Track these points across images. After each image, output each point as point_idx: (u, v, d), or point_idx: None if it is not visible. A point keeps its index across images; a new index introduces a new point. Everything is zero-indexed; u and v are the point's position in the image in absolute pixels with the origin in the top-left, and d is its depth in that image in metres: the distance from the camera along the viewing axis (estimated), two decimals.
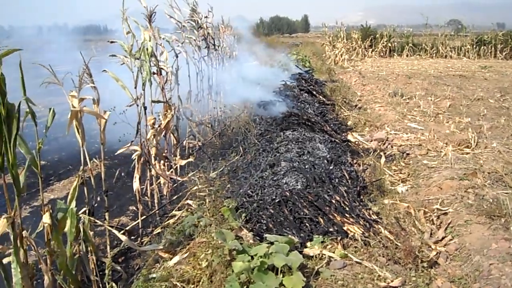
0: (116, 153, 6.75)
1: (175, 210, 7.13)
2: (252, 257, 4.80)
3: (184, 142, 10.00)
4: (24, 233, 4.31)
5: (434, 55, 41.81)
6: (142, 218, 6.96)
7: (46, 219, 4.64)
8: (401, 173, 9.21)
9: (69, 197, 5.21)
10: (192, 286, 4.99)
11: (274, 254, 4.82)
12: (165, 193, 8.08)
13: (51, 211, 4.70)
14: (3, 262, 3.99)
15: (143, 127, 7.04)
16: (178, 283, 4.98)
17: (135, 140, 6.89)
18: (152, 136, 7.44)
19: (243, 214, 6.08)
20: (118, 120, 6.47)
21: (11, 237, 4.09)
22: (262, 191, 7.14)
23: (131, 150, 7.09)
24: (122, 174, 8.66)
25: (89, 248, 5.31)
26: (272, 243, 5.08)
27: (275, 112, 12.67)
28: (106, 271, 4.50)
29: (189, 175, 8.37)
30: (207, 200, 6.80)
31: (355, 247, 5.73)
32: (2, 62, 3.77)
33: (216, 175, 8.06)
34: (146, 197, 7.62)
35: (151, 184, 7.73)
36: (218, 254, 4.90)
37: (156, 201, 7.81)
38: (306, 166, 8.18)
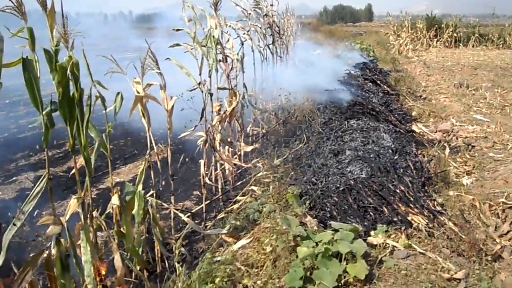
0: (180, 137, 6.84)
1: (239, 196, 7.18)
2: (317, 244, 4.80)
3: (248, 129, 10.05)
4: (94, 213, 4.43)
5: (501, 46, 40.45)
6: (206, 202, 7.05)
7: (115, 200, 4.75)
8: (466, 165, 9.03)
9: (137, 179, 5.33)
10: (256, 270, 5.03)
11: (338, 241, 4.81)
12: (229, 179, 8.16)
13: (119, 193, 4.82)
14: (74, 242, 4.09)
15: (208, 113, 7.13)
16: (242, 267, 5.03)
17: (200, 126, 6.97)
18: (218, 122, 7.52)
19: (307, 201, 6.09)
20: (183, 107, 6.57)
21: (81, 217, 4.20)
22: (326, 179, 7.12)
23: (197, 135, 7.18)
24: (187, 159, 8.77)
25: (155, 230, 5.41)
26: (336, 230, 5.07)
27: (340, 101, 12.57)
28: (176, 252, 4.57)
29: (253, 161, 8.43)
30: (271, 187, 6.83)
31: (419, 237, 5.66)
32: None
33: (279, 162, 8.08)
34: (210, 182, 7.70)
35: (216, 170, 7.83)
36: (283, 240, 4.92)
37: (220, 186, 7.90)
38: (371, 155, 8.10)
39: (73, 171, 4.52)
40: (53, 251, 3.77)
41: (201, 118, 6.84)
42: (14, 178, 10.20)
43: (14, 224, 3.38)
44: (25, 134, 14.31)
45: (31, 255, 3.53)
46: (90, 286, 4.06)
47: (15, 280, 3.09)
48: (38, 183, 3.74)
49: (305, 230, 5.10)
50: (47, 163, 3.74)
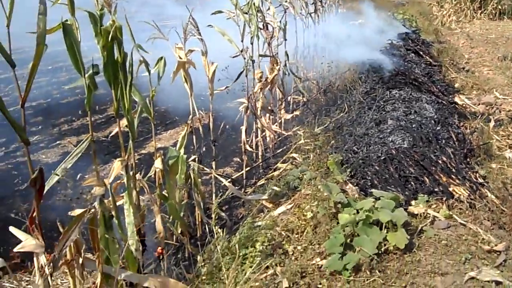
0: (216, 91, 6.84)
1: (279, 163, 7.19)
2: (358, 211, 4.79)
3: (289, 98, 10.02)
4: (137, 176, 4.48)
5: None
6: (247, 169, 7.09)
7: (158, 164, 4.80)
8: (509, 138, 8.85)
9: (178, 144, 5.37)
10: (296, 236, 5.06)
11: (379, 209, 4.80)
12: (269, 146, 8.17)
13: (162, 157, 4.86)
14: (117, 204, 4.14)
15: (250, 80, 7.12)
16: (283, 232, 5.06)
17: (241, 92, 6.98)
18: (259, 90, 7.51)
19: (348, 169, 6.07)
20: (223, 76, 6.59)
21: (125, 180, 4.25)
22: (367, 148, 7.09)
23: (238, 101, 7.19)
24: (227, 126, 8.80)
25: (196, 195, 5.46)
26: (378, 199, 5.05)
27: (382, 71, 12.43)
28: (213, 215, 4.61)
29: (294, 129, 8.42)
30: (311, 154, 6.82)
31: (460, 208, 5.60)
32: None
33: (320, 131, 8.05)
34: (251, 149, 7.72)
35: (256, 137, 7.84)
36: (324, 206, 4.93)
37: (260, 153, 7.92)
38: (413, 125, 8.02)
39: (113, 132, 4.59)
40: (97, 212, 3.83)
41: (235, 80, 6.86)
42: (57, 142, 10.38)
43: (57, 174, 3.43)
44: (67, 100, 14.50)
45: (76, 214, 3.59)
46: (132, 247, 4.12)
47: (61, 239, 3.15)
48: (80, 143, 3.78)
49: (346, 197, 5.10)
50: (90, 125, 3.78)
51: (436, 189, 6.02)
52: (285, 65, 8.99)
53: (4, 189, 8.04)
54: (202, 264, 4.52)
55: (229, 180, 6.35)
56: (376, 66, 13.05)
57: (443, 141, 7.61)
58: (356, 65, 13.42)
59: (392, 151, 6.79)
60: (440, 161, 6.64)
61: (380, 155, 6.71)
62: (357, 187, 5.70)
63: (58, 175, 3.39)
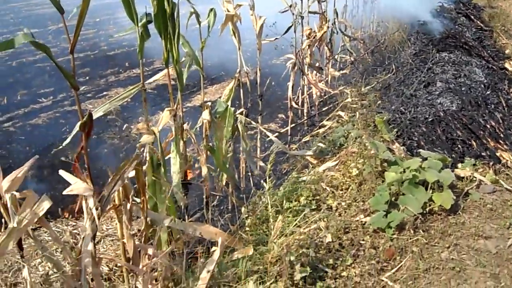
0: (264, 42, 6.82)
1: (325, 121, 7.17)
2: (404, 170, 4.76)
3: (336, 56, 9.93)
4: (185, 126, 4.50)
5: None
6: (292, 125, 7.08)
7: (205, 115, 4.82)
8: None
9: (226, 97, 5.37)
10: (341, 192, 5.06)
11: (426, 169, 4.75)
12: (315, 103, 8.14)
13: (210, 108, 4.88)
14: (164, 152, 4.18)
15: (298, 37, 7.08)
16: (327, 188, 5.07)
17: (289, 48, 6.94)
18: (307, 46, 7.45)
19: (395, 129, 6.02)
20: (271, 32, 6.56)
21: (173, 129, 4.28)
22: (415, 109, 7.02)
23: (286, 57, 7.16)
24: (273, 83, 8.78)
25: (242, 148, 5.48)
26: (425, 159, 5.00)
27: (431, 33, 12.21)
28: (269, 166, 4.62)
29: (340, 88, 8.36)
30: (357, 113, 6.77)
31: (507, 174, 5.52)
32: None
33: (367, 91, 7.98)
34: (296, 106, 7.71)
35: (302, 94, 7.81)
36: (370, 164, 4.90)
37: (305, 110, 7.90)
38: (462, 89, 7.89)
39: (157, 76, 4.62)
40: (145, 160, 3.88)
41: (285, 33, 6.83)
42: (104, 93, 10.52)
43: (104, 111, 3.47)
44: (114, 52, 14.60)
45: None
46: (177, 196, 4.18)
47: (109, 182, 3.20)
48: (130, 89, 3.81)
49: (393, 156, 5.06)
50: (141, 73, 3.80)
51: (483, 153, 5.95)
52: (334, 23, 8.89)
53: (52, 136, 8.20)
54: (246, 216, 4.55)
55: (276, 134, 6.35)
56: (426, 28, 12.82)
57: (492, 106, 7.48)
58: (405, 26, 13.20)
59: (440, 113, 6.70)
60: (488, 126, 6.54)
61: (427, 116, 6.64)
62: (403, 147, 5.66)
63: (105, 105, 3.42)
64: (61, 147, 3.30)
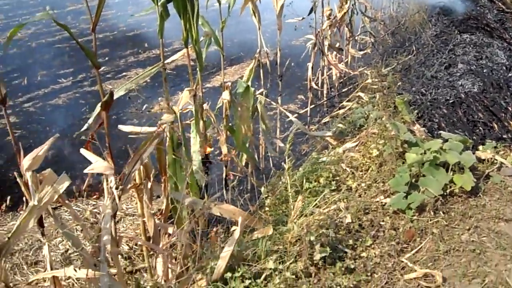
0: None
1: (345, 102, 7.14)
2: (425, 152, 4.73)
3: (356, 37, 9.86)
4: (205, 106, 4.50)
5: None
6: (311, 106, 7.06)
7: (225, 95, 4.81)
8: None
9: (245, 77, 5.36)
10: (361, 173, 5.04)
11: (447, 150, 4.71)
12: (335, 84, 8.11)
13: (230, 88, 4.87)
14: (185, 134, 4.18)
15: (318, 18, 7.04)
16: (347, 169, 5.05)
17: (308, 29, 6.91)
18: (327, 27, 7.41)
19: (415, 111, 5.98)
20: (288, 12, 6.53)
21: (192, 109, 4.27)
22: (436, 90, 6.97)
23: (306, 37, 7.14)
24: (292, 64, 8.76)
25: (262, 128, 5.48)
26: (446, 140, 4.96)
27: (452, 14, 12.09)
28: (287, 146, 4.61)
29: (360, 69, 8.31)
30: (377, 94, 6.73)
31: None
32: None
33: (387, 72, 7.93)
34: (316, 87, 7.68)
35: (322, 75, 7.78)
36: (391, 145, 4.87)
37: (325, 91, 7.87)
38: (484, 71, 7.82)
39: (176, 56, 4.61)
40: (166, 138, 3.88)
41: (309, 13, 6.80)
42: (123, 74, 10.55)
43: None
44: (133, 33, 14.62)
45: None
46: (197, 176, 4.18)
47: (130, 161, 3.20)
48: (150, 68, 3.81)
49: (414, 137, 5.03)
50: (161, 52, 3.79)
51: (504, 136, 5.92)
52: (354, 3, 8.81)
53: (72, 117, 8.25)
54: (266, 196, 4.55)
55: (295, 115, 6.33)
56: (447, 9, 12.69)
57: None
58: (426, 7, 13.07)
59: (461, 95, 6.65)
60: (510, 108, 6.50)
61: (448, 98, 6.59)
62: (424, 129, 5.62)
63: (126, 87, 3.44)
64: (86, 126, 3.33)
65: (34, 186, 2.73)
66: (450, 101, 6.50)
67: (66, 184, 2.74)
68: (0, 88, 2.58)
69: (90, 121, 3.38)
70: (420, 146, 4.81)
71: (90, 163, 3.10)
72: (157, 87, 8.45)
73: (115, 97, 3.12)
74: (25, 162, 2.71)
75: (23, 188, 2.76)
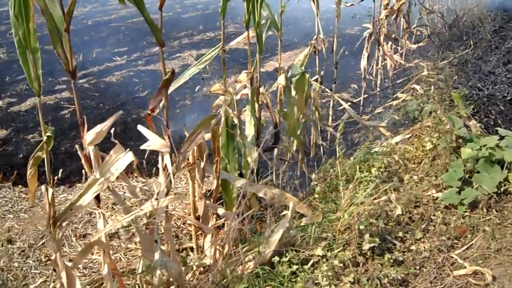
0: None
1: (399, 93, 7.06)
2: (480, 148, 4.64)
3: (412, 29, 9.73)
4: (261, 89, 4.50)
5: None
6: (365, 96, 7.01)
7: (281, 80, 4.81)
8: None
9: (300, 63, 5.34)
10: (413, 165, 4.98)
11: (504, 148, 4.61)
12: (389, 75, 8.03)
13: (286, 73, 4.86)
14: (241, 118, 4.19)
15: (376, 7, 6.98)
16: (399, 160, 5.00)
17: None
18: (385, 17, 7.33)
19: (471, 106, 5.87)
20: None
21: (249, 92, 4.28)
22: (493, 86, 6.81)
23: (359, 29, 7.09)
24: (346, 53, 8.70)
25: (314, 115, 5.46)
26: (502, 138, 4.85)
27: None
28: (338, 134, 4.59)
29: (415, 61, 8.21)
30: (433, 87, 6.63)
31: None
32: None
33: (443, 65, 7.80)
34: (370, 77, 7.62)
35: (377, 65, 7.71)
36: (445, 139, 4.80)
37: (378, 82, 7.80)
38: None
39: (236, 41, 4.61)
40: (221, 119, 3.89)
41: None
42: (177, 55, 10.63)
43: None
44: (188, 15, 14.72)
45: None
46: (249, 159, 4.17)
47: (185, 141, 3.22)
48: (211, 51, 3.83)
49: (469, 132, 4.94)
50: (222, 34, 3.80)
51: None
52: None
53: (125, 94, 8.36)
54: (316, 183, 4.55)
55: (349, 104, 6.29)
56: (507, 4, 12.41)
57: None
58: (485, 1, 12.81)
59: None
60: None
61: (506, 95, 6.45)
62: (480, 124, 5.51)
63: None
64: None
65: (96, 160, 2.77)
66: (508, 98, 6.35)
67: (129, 160, 2.78)
68: (72, 61, 2.62)
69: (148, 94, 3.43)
70: (476, 141, 4.72)
71: (141, 143, 3.14)
72: (211, 69, 8.51)
73: (181, 83, 3.17)
74: (88, 136, 2.75)
75: (83, 161, 2.81)
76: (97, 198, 2.89)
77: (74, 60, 2.61)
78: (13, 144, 6.69)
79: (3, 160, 6.22)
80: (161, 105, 3.09)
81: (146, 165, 5.47)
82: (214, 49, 3.78)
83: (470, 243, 3.95)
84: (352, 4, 6.89)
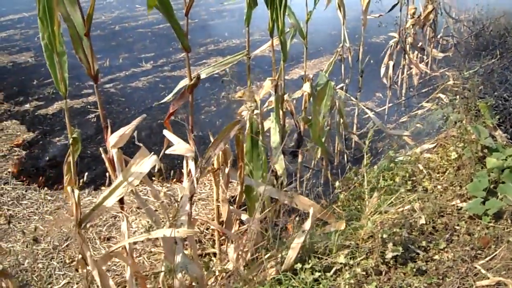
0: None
1: (424, 102, 7.04)
2: (506, 158, 4.61)
3: (439, 38, 9.69)
4: (286, 96, 4.52)
5: None
6: (390, 105, 6.99)
7: (306, 87, 4.82)
8: None
9: (325, 71, 5.36)
10: (438, 175, 4.96)
11: None
12: (414, 84, 8.00)
13: (312, 81, 4.88)
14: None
15: (402, 16, 6.98)
16: (424, 169, 4.98)
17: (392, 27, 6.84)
18: (411, 25, 7.33)
19: (497, 116, 5.83)
20: (375, 8, 6.53)
21: (273, 99, 4.30)
22: None
23: (384, 37, 7.09)
24: (371, 61, 8.68)
25: (339, 123, 5.47)
26: None
27: None
28: (367, 142, 4.58)
29: (441, 70, 8.17)
30: (458, 97, 6.60)
31: None
32: None
33: (469, 75, 7.75)
34: (395, 86, 7.61)
35: (402, 74, 7.69)
36: (470, 149, 4.78)
37: (404, 91, 7.78)
38: None
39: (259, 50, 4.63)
40: (245, 125, 3.91)
41: (390, 10, 6.76)
42: (203, 61, 10.71)
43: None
44: (214, 22, 14.79)
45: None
46: (277, 166, 4.17)
47: (210, 146, 3.25)
48: (234, 55, 3.86)
49: (495, 142, 4.91)
50: (247, 41, 3.83)
51: None
52: (439, 3, 8.67)
53: (151, 99, 8.43)
54: (340, 191, 4.55)
55: (374, 112, 6.29)
56: None
57: None
58: None
59: None
60: None
61: None
62: (506, 134, 5.47)
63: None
64: (167, 98, 3.41)
65: (119, 163, 2.81)
66: None
67: (152, 164, 2.81)
68: (94, 65, 2.67)
69: (169, 96, 3.47)
70: (501, 151, 4.69)
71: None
72: (235, 76, 8.54)
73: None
74: (112, 139, 2.79)
75: (107, 164, 2.85)
76: (121, 201, 2.92)
77: (96, 65, 2.65)
78: (39, 147, 6.79)
79: (29, 162, 6.32)
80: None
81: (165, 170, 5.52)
82: (238, 54, 3.81)
83: (494, 254, 3.93)
84: (380, 15, 6.88)
